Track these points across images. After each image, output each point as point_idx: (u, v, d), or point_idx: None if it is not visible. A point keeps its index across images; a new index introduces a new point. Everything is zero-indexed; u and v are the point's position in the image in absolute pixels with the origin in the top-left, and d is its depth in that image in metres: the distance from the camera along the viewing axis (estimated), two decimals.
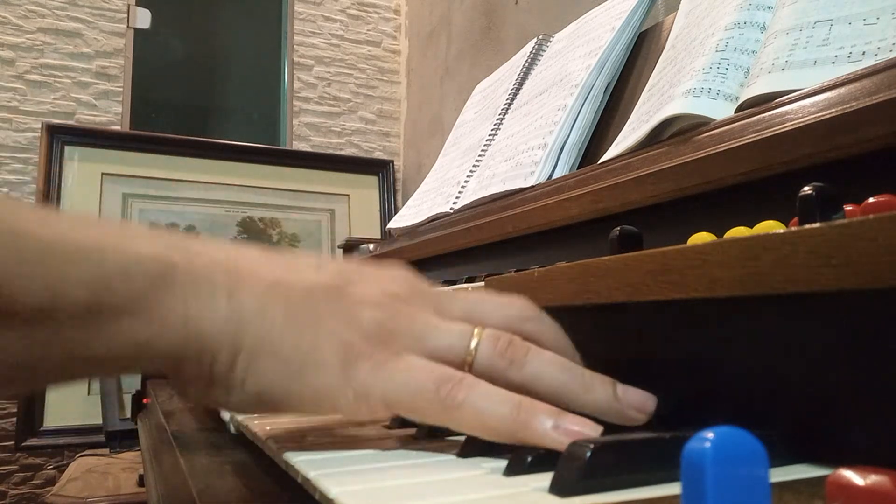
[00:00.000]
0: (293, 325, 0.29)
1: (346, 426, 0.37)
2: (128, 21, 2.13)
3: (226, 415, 0.48)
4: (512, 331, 0.31)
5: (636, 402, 0.30)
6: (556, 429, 0.27)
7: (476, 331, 0.30)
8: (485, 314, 0.32)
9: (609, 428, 0.28)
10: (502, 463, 0.26)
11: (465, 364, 0.30)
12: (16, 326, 0.24)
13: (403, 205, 1.22)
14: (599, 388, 0.30)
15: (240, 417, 0.40)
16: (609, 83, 0.77)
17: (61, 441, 1.75)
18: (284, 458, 0.29)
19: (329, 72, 2.39)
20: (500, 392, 0.28)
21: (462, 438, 0.29)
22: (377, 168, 2.32)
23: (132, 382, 1.51)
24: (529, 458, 0.25)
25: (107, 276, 0.26)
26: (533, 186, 0.73)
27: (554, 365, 0.30)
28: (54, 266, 0.25)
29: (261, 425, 0.37)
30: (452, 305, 0.32)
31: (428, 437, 0.33)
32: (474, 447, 0.28)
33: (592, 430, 0.27)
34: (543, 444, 0.26)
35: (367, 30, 2.46)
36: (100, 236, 0.27)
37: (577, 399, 0.29)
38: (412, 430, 0.34)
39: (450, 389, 0.28)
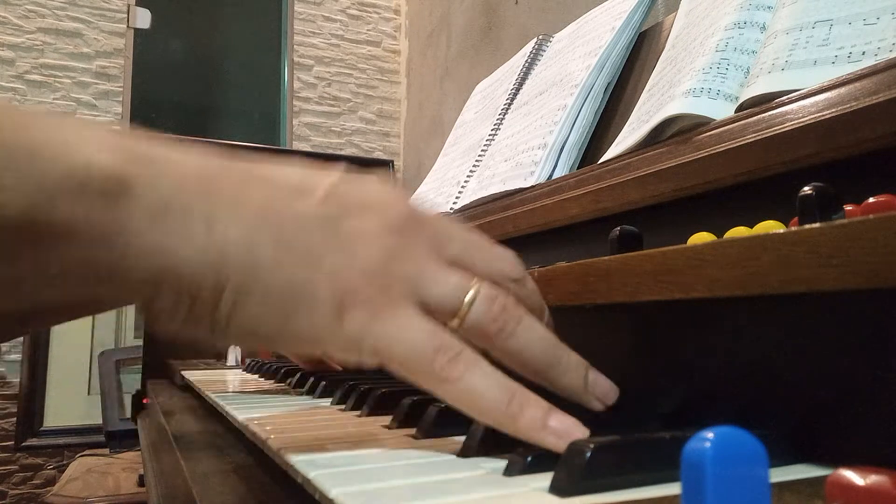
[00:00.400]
0: (285, 260, 0.27)
1: (346, 426, 0.38)
2: (128, 21, 2.14)
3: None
4: (497, 282, 0.30)
5: (601, 392, 0.31)
6: (543, 428, 0.26)
7: (473, 285, 0.29)
8: (477, 262, 0.31)
9: (611, 427, 0.28)
10: (502, 463, 0.26)
11: (458, 316, 0.29)
12: None
13: None
14: (574, 373, 0.30)
15: (241, 418, 0.40)
16: (609, 83, 0.77)
17: (61, 441, 1.75)
18: (284, 459, 0.29)
19: (329, 72, 2.39)
20: (497, 376, 0.28)
21: (462, 438, 0.29)
22: (377, 168, 2.32)
23: (132, 383, 1.51)
24: (529, 458, 0.25)
25: (42, 186, 0.22)
26: (533, 186, 0.73)
27: (541, 342, 0.30)
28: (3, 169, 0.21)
29: (261, 425, 0.37)
30: (450, 245, 0.31)
31: (427, 436, 0.33)
32: (474, 447, 0.28)
33: (580, 432, 0.26)
34: (527, 439, 0.26)
35: (367, 30, 2.47)
36: (41, 136, 0.23)
37: (551, 379, 0.30)
38: (412, 430, 0.34)
39: (447, 361, 0.27)
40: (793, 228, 0.22)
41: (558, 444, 0.25)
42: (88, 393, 1.76)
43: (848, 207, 0.27)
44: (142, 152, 0.25)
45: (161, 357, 0.98)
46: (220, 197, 0.26)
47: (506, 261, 0.32)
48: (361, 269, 0.27)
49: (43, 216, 0.22)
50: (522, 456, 0.25)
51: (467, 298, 0.29)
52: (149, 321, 0.27)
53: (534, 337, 0.30)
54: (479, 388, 0.27)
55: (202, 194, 0.26)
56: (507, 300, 0.30)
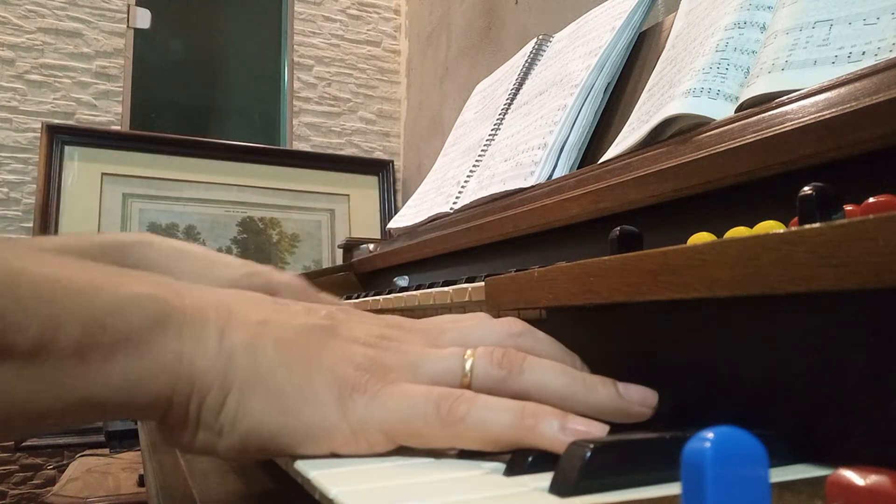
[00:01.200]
0: (284, 361, 0.28)
1: None
2: (128, 21, 2.13)
3: None
4: (501, 345, 0.31)
5: (639, 397, 0.30)
6: (563, 430, 0.26)
7: (469, 352, 0.30)
8: (475, 339, 0.32)
9: (612, 427, 0.28)
10: (502, 463, 0.26)
11: (463, 385, 0.29)
12: (12, 360, 0.24)
13: (403, 205, 1.22)
14: (602, 389, 0.29)
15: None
16: (609, 83, 0.77)
17: (61, 441, 1.75)
18: (284, 458, 0.29)
19: (329, 72, 2.39)
20: (502, 400, 0.28)
21: None
22: (377, 168, 2.32)
23: None
24: (530, 458, 0.25)
25: (101, 313, 0.26)
26: (533, 186, 0.73)
27: (553, 370, 0.30)
28: (49, 302, 0.25)
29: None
30: (443, 337, 0.32)
31: None
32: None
33: (599, 430, 0.26)
34: (552, 449, 0.26)
35: (367, 30, 2.46)
36: (94, 276, 0.27)
37: (581, 401, 0.29)
38: None
39: (450, 406, 0.27)
40: (793, 228, 0.22)
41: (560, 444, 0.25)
42: None
43: (848, 207, 0.27)
44: (171, 284, 0.29)
45: None
46: (231, 312, 0.29)
47: (503, 325, 0.33)
48: (358, 363, 0.29)
49: (100, 335, 0.26)
50: (523, 455, 0.25)
51: (468, 364, 0.30)
52: (166, 434, 0.29)
53: (544, 366, 0.30)
54: (486, 417, 0.27)
55: (217, 311, 0.29)
56: (507, 349, 0.30)
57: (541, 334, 0.33)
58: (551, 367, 0.30)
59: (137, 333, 0.26)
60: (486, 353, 0.30)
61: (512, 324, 0.33)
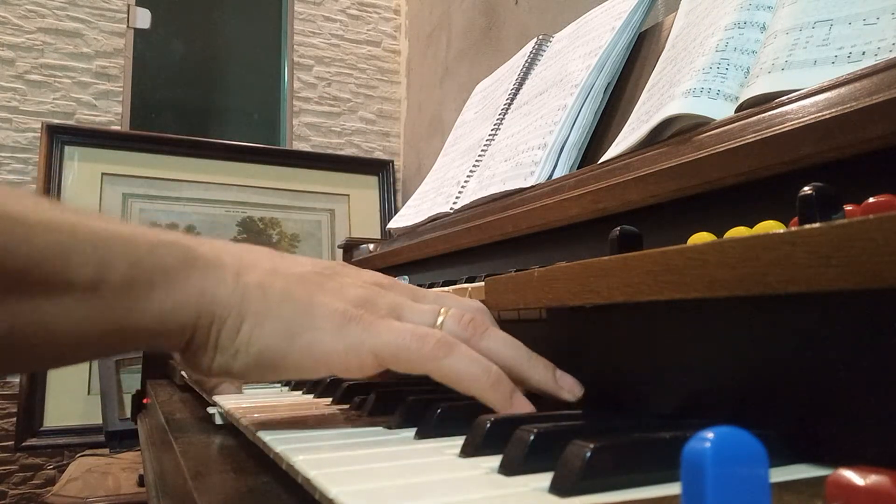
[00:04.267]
0: (290, 297, 0.34)
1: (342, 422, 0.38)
2: (128, 21, 2.13)
3: (211, 409, 0.48)
4: (468, 316, 0.37)
5: (568, 385, 0.36)
6: (508, 400, 0.33)
7: (442, 310, 0.37)
8: (450, 304, 0.39)
9: (612, 427, 0.28)
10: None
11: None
12: (73, 294, 0.29)
13: (403, 205, 1.22)
14: (542, 369, 0.36)
15: (228, 405, 0.40)
16: (609, 83, 0.77)
17: (61, 441, 1.75)
18: (285, 458, 0.29)
19: (329, 72, 2.39)
20: (476, 355, 0.34)
21: (463, 438, 0.29)
22: (377, 168, 2.32)
23: (132, 383, 1.51)
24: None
25: (141, 255, 0.31)
26: (533, 186, 0.73)
27: (507, 342, 0.36)
28: (102, 247, 0.30)
29: (259, 423, 0.37)
30: (424, 297, 0.39)
31: (427, 436, 0.33)
32: (475, 447, 0.28)
33: (526, 408, 0.34)
34: (497, 408, 0.33)
35: (367, 30, 2.46)
36: (132, 228, 0.32)
37: (523, 374, 0.36)
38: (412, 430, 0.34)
39: (434, 344, 0.34)
40: (793, 228, 0.22)
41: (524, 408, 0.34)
42: (88, 393, 1.76)
43: (848, 207, 0.27)
44: (192, 236, 0.35)
45: (161, 357, 0.98)
46: (245, 260, 0.35)
47: (473, 304, 0.40)
48: (352, 300, 0.35)
49: (140, 273, 0.31)
50: (517, 454, 0.25)
51: (440, 319, 0.37)
52: (188, 359, 0.34)
53: (500, 337, 0.37)
54: (462, 364, 0.34)
55: (234, 258, 0.35)
56: (474, 314, 0.37)
57: (498, 328, 0.39)
58: (505, 339, 0.37)
59: (170, 272, 0.32)
60: (456, 315, 0.37)
61: (480, 307, 0.40)
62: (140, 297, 0.31)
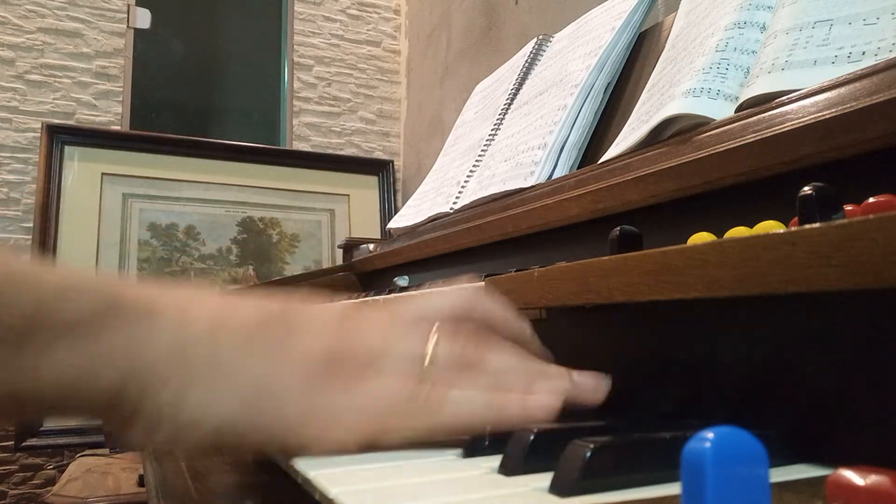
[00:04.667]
0: (246, 353, 0.27)
1: None
2: (128, 21, 2.13)
3: None
4: (464, 320, 0.31)
5: (591, 384, 0.31)
6: (525, 407, 0.29)
7: (431, 337, 0.30)
8: (435, 310, 0.32)
9: (612, 428, 0.28)
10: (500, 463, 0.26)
11: (426, 359, 0.30)
12: None
13: (403, 205, 1.22)
14: (512, 407, 0.29)
15: None
16: (609, 83, 0.77)
17: (61, 441, 1.75)
18: (284, 457, 0.29)
19: (329, 72, 2.39)
20: (471, 391, 0.29)
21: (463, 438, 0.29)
22: (377, 168, 2.32)
23: None
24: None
25: (43, 299, 0.25)
26: (533, 186, 0.73)
27: (469, 403, 0.29)
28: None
29: None
30: (405, 308, 0.32)
31: None
32: (475, 447, 0.28)
33: (556, 401, 0.29)
34: (518, 424, 0.27)
35: (367, 30, 2.46)
36: (40, 268, 0.26)
37: (496, 422, 0.29)
38: None
39: (427, 394, 0.28)
40: (793, 228, 0.22)
41: (535, 414, 0.29)
42: None
43: (848, 207, 0.27)
44: (119, 279, 0.28)
45: None
46: (188, 304, 0.28)
47: (459, 294, 0.33)
48: (320, 357, 0.28)
49: (40, 320, 0.25)
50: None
51: (429, 350, 0.30)
52: (115, 430, 0.27)
53: (501, 361, 0.31)
54: (461, 405, 0.29)
55: (172, 304, 0.27)
56: (465, 343, 0.30)
57: (493, 302, 0.33)
58: (505, 361, 0.31)
59: (82, 322, 0.25)
60: (446, 346, 0.30)
61: (469, 295, 0.33)
62: (39, 353, 0.24)
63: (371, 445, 0.28)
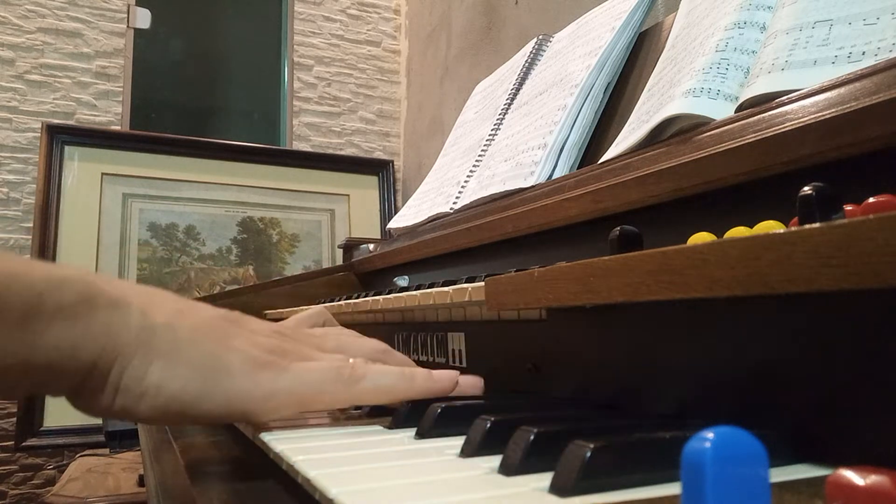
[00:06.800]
0: (200, 338, 0.33)
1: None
2: (128, 21, 2.13)
3: None
4: (372, 359, 0.40)
5: (445, 377, 0.40)
6: (430, 377, 0.38)
7: (343, 358, 0.38)
8: (351, 349, 0.41)
9: (613, 428, 0.28)
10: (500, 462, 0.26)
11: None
12: None
13: (403, 205, 1.22)
14: (419, 378, 0.39)
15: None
16: (609, 83, 0.77)
17: (61, 441, 1.75)
18: (284, 458, 0.29)
19: (329, 72, 2.39)
20: (387, 366, 0.38)
21: (463, 439, 0.29)
22: (377, 168, 2.32)
23: None
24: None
25: (39, 290, 0.30)
26: (533, 186, 0.73)
27: (383, 372, 0.38)
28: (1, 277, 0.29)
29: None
30: (326, 342, 0.41)
31: (427, 436, 0.33)
32: (475, 447, 0.28)
33: (452, 375, 0.40)
34: (428, 394, 0.38)
35: (367, 30, 2.46)
36: (29, 264, 0.31)
37: (408, 390, 0.38)
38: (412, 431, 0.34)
39: (350, 370, 0.36)
40: (793, 228, 0.22)
41: (443, 385, 0.39)
42: None
43: (848, 207, 0.27)
44: (96, 274, 0.34)
45: None
46: (152, 299, 0.34)
47: (371, 343, 0.44)
48: (263, 348, 0.35)
49: (38, 306, 0.30)
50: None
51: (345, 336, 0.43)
52: (85, 400, 0.33)
53: (378, 371, 0.38)
54: (380, 378, 0.37)
55: (139, 297, 0.34)
56: (356, 362, 0.38)
57: (399, 355, 0.45)
58: (382, 370, 0.38)
59: (70, 307, 0.31)
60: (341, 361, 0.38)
61: (377, 345, 0.44)
62: (40, 332, 0.30)
63: (304, 411, 0.36)
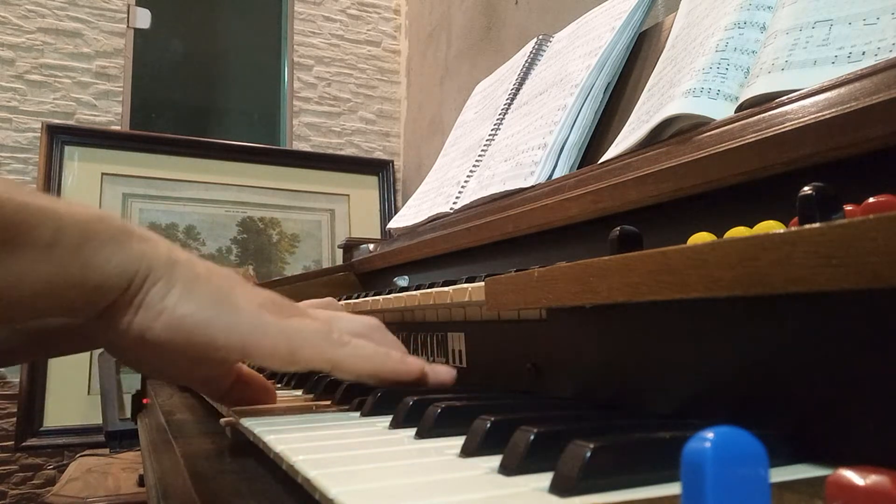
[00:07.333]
0: (214, 278, 0.39)
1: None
2: (128, 21, 2.14)
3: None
4: (362, 334, 0.44)
5: (414, 364, 0.43)
6: (401, 362, 0.42)
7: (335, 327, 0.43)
8: (344, 320, 0.45)
9: (612, 428, 0.28)
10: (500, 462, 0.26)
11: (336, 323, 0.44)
12: (35, 251, 0.33)
13: (403, 205, 1.22)
14: (393, 359, 0.43)
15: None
16: (609, 83, 0.77)
17: (61, 441, 1.75)
18: (285, 458, 0.29)
19: (329, 72, 2.39)
20: (369, 343, 0.42)
21: (463, 439, 0.29)
22: (377, 168, 2.32)
23: (132, 383, 1.51)
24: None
25: (90, 221, 0.35)
26: (533, 186, 0.73)
27: (364, 345, 0.42)
28: (53, 216, 0.34)
29: (258, 421, 0.37)
30: (319, 314, 0.44)
31: (427, 436, 0.33)
32: (475, 447, 0.28)
33: (421, 364, 0.43)
34: (395, 375, 0.42)
35: (367, 30, 2.47)
36: (74, 204, 0.36)
37: (382, 365, 0.42)
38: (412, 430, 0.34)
39: (338, 335, 0.41)
40: (793, 228, 0.22)
41: (411, 368, 0.43)
42: (88, 393, 1.76)
43: (848, 207, 0.27)
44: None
45: None
46: (172, 247, 0.39)
47: (363, 320, 0.47)
48: (267, 301, 0.40)
49: (94, 233, 0.36)
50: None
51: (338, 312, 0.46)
52: (112, 318, 0.37)
53: (358, 344, 0.42)
54: (360, 348, 0.41)
55: (164, 242, 0.39)
56: (342, 333, 0.42)
57: (390, 335, 0.48)
58: (362, 345, 0.42)
59: (115, 236, 0.36)
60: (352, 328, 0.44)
61: (369, 322, 0.47)
62: (91, 254, 0.35)
63: (291, 363, 0.39)
